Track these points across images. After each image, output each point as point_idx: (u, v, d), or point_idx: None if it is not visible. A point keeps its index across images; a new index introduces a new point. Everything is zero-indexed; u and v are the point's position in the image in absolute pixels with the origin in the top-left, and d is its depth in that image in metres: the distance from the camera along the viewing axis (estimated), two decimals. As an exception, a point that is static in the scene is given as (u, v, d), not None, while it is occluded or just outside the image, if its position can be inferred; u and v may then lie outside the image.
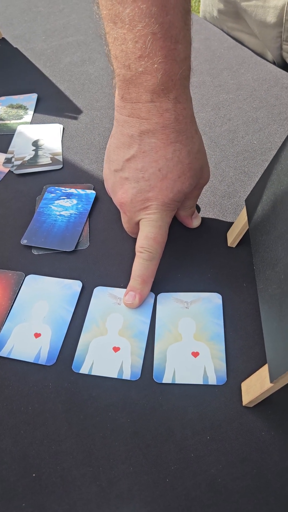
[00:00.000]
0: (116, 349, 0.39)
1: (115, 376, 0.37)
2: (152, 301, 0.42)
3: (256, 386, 0.34)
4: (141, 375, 0.38)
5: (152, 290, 0.43)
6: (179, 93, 0.38)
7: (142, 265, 0.41)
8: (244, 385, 0.36)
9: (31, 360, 0.39)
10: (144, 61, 0.36)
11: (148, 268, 0.42)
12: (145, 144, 0.39)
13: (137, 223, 0.43)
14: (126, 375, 0.37)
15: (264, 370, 0.33)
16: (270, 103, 0.62)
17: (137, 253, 0.42)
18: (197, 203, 0.50)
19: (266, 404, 0.35)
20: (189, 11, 0.36)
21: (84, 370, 0.38)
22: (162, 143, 0.39)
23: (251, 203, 0.42)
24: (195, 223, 0.48)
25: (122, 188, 0.42)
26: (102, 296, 0.43)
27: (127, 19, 0.34)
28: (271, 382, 0.31)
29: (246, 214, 0.42)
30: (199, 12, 0.88)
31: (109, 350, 0.39)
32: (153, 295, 0.43)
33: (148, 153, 0.39)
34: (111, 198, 0.47)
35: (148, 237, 0.41)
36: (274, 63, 0.75)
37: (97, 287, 0.44)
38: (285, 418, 0.35)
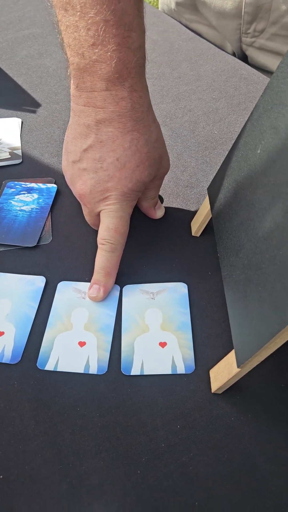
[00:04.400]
0: (82, 343, 0.38)
1: (82, 371, 0.37)
2: (118, 293, 0.42)
3: (224, 372, 0.34)
4: (108, 368, 0.37)
5: (117, 282, 0.42)
6: (134, 81, 0.37)
7: (105, 257, 0.41)
8: (212, 372, 0.36)
9: (-5, 360, 0.38)
10: (97, 49, 0.35)
11: (110, 260, 0.41)
12: (102, 133, 0.39)
13: (98, 215, 0.42)
14: (93, 370, 0.37)
15: (231, 356, 0.33)
16: (229, 93, 0.62)
17: (99, 245, 0.41)
18: (160, 193, 0.50)
19: (234, 390, 0.35)
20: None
21: (49, 366, 0.37)
22: (119, 132, 0.38)
23: (213, 191, 0.42)
24: (159, 213, 0.48)
25: (81, 179, 0.41)
26: (66, 291, 0.42)
27: (78, 6, 0.34)
28: (238, 367, 0.31)
29: (208, 202, 0.43)
30: (157, 6, 0.88)
31: (74, 345, 0.38)
32: (118, 288, 0.42)
33: (106, 143, 0.39)
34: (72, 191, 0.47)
35: (109, 228, 0.41)
36: (234, 54, 0.75)
37: (60, 282, 0.43)
38: (253, 403, 0.35)
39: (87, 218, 0.45)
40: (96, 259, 0.41)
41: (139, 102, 0.38)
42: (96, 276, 0.41)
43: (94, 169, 0.40)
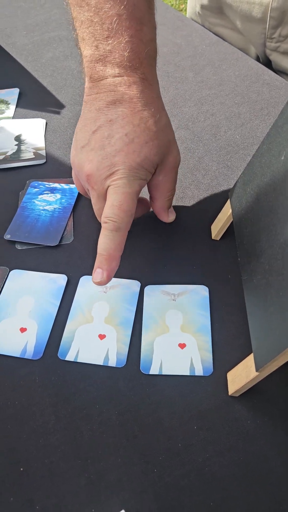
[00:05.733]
0: (102, 336, 0.39)
1: (101, 363, 0.37)
2: (138, 289, 0.42)
3: (241, 375, 0.34)
4: (127, 366, 0.38)
5: (138, 280, 0.43)
6: (146, 70, 0.39)
7: (107, 237, 0.38)
8: (230, 375, 0.36)
9: (17, 355, 0.39)
10: (111, 41, 0.37)
11: (113, 240, 0.38)
12: (112, 113, 0.39)
13: (106, 198, 0.40)
14: (112, 362, 0.38)
15: (250, 360, 0.34)
16: (252, 98, 0.63)
17: (102, 225, 0.39)
18: (181, 197, 0.50)
19: (251, 393, 0.36)
20: None
21: (70, 357, 0.38)
22: (129, 111, 0.39)
23: (235, 196, 0.42)
24: (171, 217, 0.46)
25: (88, 159, 0.40)
26: (88, 285, 0.43)
27: (93, 2, 0.37)
28: (256, 371, 0.32)
29: (229, 207, 0.43)
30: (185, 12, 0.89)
31: (95, 338, 0.39)
32: (139, 284, 0.43)
33: (115, 121, 0.39)
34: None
35: (113, 205, 0.38)
36: (257, 58, 0.75)
37: (82, 277, 0.44)
38: (270, 406, 0.35)
39: (95, 208, 0.42)
40: (99, 240, 0.39)
41: (149, 89, 0.40)
42: (99, 259, 0.38)
43: (102, 146, 0.39)
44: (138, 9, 0.37)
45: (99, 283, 0.38)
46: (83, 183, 0.43)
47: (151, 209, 0.48)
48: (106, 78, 0.39)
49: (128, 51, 0.37)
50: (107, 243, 0.38)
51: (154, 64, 0.40)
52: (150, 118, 0.39)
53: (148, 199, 0.47)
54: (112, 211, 0.38)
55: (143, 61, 0.38)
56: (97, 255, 0.38)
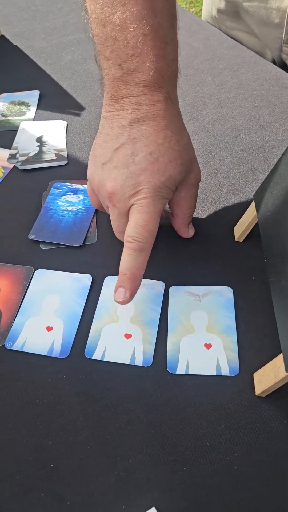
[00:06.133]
0: (128, 336, 0.39)
1: (128, 362, 0.38)
2: (162, 290, 0.43)
3: (269, 375, 0.35)
4: (154, 366, 0.38)
5: (163, 281, 0.43)
6: (169, 89, 0.39)
7: (131, 256, 0.38)
8: (257, 376, 0.37)
9: (45, 353, 0.39)
10: (136, 60, 0.37)
11: (137, 260, 0.38)
12: (135, 131, 0.39)
13: (128, 216, 0.40)
14: (139, 362, 0.38)
15: (279, 360, 0.34)
16: (271, 102, 0.63)
17: (125, 244, 0.39)
18: (203, 198, 0.51)
19: (278, 394, 0.36)
20: (175, 16, 0.38)
21: (96, 356, 0.38)
22: (153, 129, 0.39)
23: (260, 197, 0.42)
24: (190, 232, 0.47)
25: (110, 177, 0.40)
26: (112, 285, 0.43)
27: (117, 21, 0.36)
28: (286, 371, 0.32)
29: (254, 208, 0.43)
30: (201, 15, 0.89)
31: (121, 337, 0.39)
32: (163, 284, 0.43)
33: (139, 139, 0.39)
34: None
35: (138, 224, 0.38)
36: (274, 62, 0.76)
37: (107, 277, 0.44)
38: (297, 407, 0.35)
39: (115, 224, 0.42)
40: (121, 259, 0.39)
41: (173, 107, 0.40)
42: (121, 278, 0.38)
43: (125, 164, 0.39)
44: (162, 28, 0.37)
45: (122, 303, 0.38)
46: (102, 199, 0.43)
47: (172, 224, 0.48)
48: (130, 97, 0.38)
49: (153, 71, 0.37)
50: (130, 262, 0.38)
51: (176, 83, 0.40)
52: (173, 136, 0.40)
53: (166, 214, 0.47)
54: (137, 231, 0.38)
55: (166, 80, 0.38)
56: (120, 274, 0.39)
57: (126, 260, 0.38)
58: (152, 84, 0.38)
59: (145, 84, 0.38)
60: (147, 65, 0.37)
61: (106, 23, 0.36)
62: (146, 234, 0.38)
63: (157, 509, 0.31)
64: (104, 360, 0.38)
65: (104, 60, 0.38)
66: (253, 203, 0.44)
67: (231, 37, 0.78)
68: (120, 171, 0.39)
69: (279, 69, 0.68)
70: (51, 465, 0.33)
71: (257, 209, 0.42)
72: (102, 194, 0.42)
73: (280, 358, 0.34)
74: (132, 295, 0.38)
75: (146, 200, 0.39)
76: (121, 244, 0.47)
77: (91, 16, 0.38)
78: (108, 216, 0.50)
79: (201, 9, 2.42)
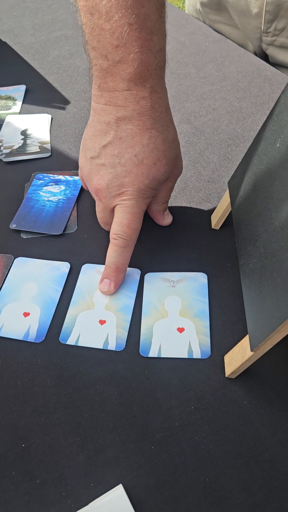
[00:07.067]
0: (102, 322, 0.40)
1: (101, 347, 0.39)
2: (138, 277, 0.43)
3: (238, 356, 0.35)
4: (127, 350, 0.39)
5: (139, 268, 0.44)
6: (155, 82, 0.39)
7: (116, 252, 0.42)
8: (227, 358, 0.37)
9: (21, 338, 0.40)
10: (120, 51, 0.37)
11: (122, 255, 0.42)
12: (122, 130, 0.40)
13: (112, 211, 0.43)
14: (111, 346, 0.39)
15: (245, 341, 0.34)
16: (254, 93, 0.64)
17: (111, 240, 0.42)
18: (182, 188, 0.51)
19: (248, 376, 0.37)
20: (163, 4, 0.38)
21: (70, 341, 0.39)
22: (138, 129, 0.40)
23: (233, 184, 0.43)
24: (167, 220, 0.48)
25: (98, 174, 0.42)
26: (89, 272, 0.44)
27: (103, 10, 0.35)
28: (251, 350, 0.33)
29: (229, 196, 0.44)
30: (183, 9, 0.90)
31: (95, 323, 0.40)
32: (139, 271, 0.44)
33: (125, 139, 0.40)
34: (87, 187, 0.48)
35: (123, 223, 0.41)
36: (254, 53, 0.76)
37: (85, 265, 0.45)
38: (266, 388, 0.36)
39: (99, 215, 0.45)
40: (107, 254, 0.42)
41: (159, 103, 0.40)
42: (107, 271, 0.42)
43: (112, 164, 0.41)
44: (149, 18, 0.36)
45: (106, 293, 0.42)
46: (90, 190, 0.45)
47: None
48: (115, 91, 0.39)
49: (137, 62, 0.37)
50: (116, 257, 0.42)
51: (163, 75, 0.40)
52: (158, 136, 0.40)
53: None
54: (121, 229, 0.41)
55: (152, 72, 0.38)
56: (105, 267, 0.43)
57: (112, 255, 0.42)
58: (137, 78, 0.38)
59: (130, 78, 0.38)
60: (131, 57, 0.37)
61: (93, 11, 0.36)
62: (130, 232, 0.42)
63: (124, 486, 0.32)
64: (78, 345, 0.39)
65: (92, 50, 0.38)
66: (227, 191, 0.44)
67: (215, 30, 0.79)
68: (107, 170, 0.41)
69: (262, 61, 0.69)
70: (23, 445, 0.34)
71: (231, 196, 0.43)
72: (90, 187, 0.44)
73: (247, 338, 0.34)
74: (116, 286, 0.42)
75: (130, 201, 0.41)
76: (100, 233, 0.48)
77: (79, 4, 0.38)
78: (90, 206, 0.51)
79: (183, 2, 2.40)
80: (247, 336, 0.34)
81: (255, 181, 0.38)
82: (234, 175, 0.43)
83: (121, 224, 0.41)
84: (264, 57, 0.75)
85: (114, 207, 0.43)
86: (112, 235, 0.42)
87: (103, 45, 0.37)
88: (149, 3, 0.35)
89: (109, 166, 0.41)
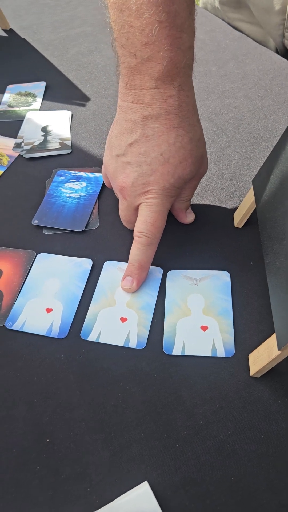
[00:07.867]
0: (123, 319, 0.40)
1: (122, 345, 0.38)
2: (160, 275, 0.43)
3: (263, 355, 0.35)
4: (149, 346, 0.39)
5: (161, 266, 0.44)
6: (183, 81, 0.38)
7: (140, 250, 0.42)
8: (252, 356, 0.37)
9: (43, 334, 0.40)
10: (150, 49, 0.36)
11: (145, 253, 0.42)
12: (148, 129, 0.40)
13: (136, 209, 0.43)
14: (132, 344, 0.39)
15: (272, 340, 0.34)
16: (275, 92, 0.63)
17: (135, 238, 0.42)
18: (204, 186, 0.51)
19: (272, 375, 0.36)
20: (193, 1, 0.37)
21: (92, 338, 0.39)
22: (165, 128, 0.39)
23: (258, 183, 0.43)
24: (190, 218, 0.48)
25: (124, 172, 0.42)
26: (111, 269, 0.44)
27: (134, 7, 0.35)
28: (279, 349, 0.32)
29: (253, 194, 0.43)
30: (199, 3, 0.90)
31: (116, 320, 0.40)
32: (161, 270, 0.44)
33: (151, 138, 0.40)
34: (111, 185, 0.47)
35: (147, 221, 0.41)
36: (276, 51, 0.76)
37: (107, 261, 0.45)
38: (292, 388, 0.36)
39: (123, 213, 0.45)
40: (131, 251, 0.42)
41: (186, 101, 0.39)
42: (130, 268, 0.42)
43: (138, 162, 0.41)
44: (179, 16, 0.35)
45: (128, 290, 0.42)
46: (114, 188, 0.45)
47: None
48: (143, 89, 0.38)
49: (166, 61, 0.36)
50: (139, 255, 0.42)
51: (191, 73, 0.40)
52: (185, 134, 0.40)
53: None
54: (146, 227, 0.41)
55: (180, 70, 0.38)
56: (128, 264, 0.42)
57: (135, 253, 0.42)
58: (165, 76, 0.37)
59: (158, 76, 0.37)
60: (160, 55, 0.36)
61: (123, 8, 0.36)
62: (154, 230, 0.42)
63: (149, 483, 0.32)
64: (99, 342, 0.39)
65: (120, 48, 0.38)
66: (251, 189, 0.44)
67: (234, 28, 0.78)
68: (133, 168, 0.41)
69: (283, 59, 0.68)
70: (47, 440, 0.34)
71: (255, 194, 0.43)
72: (114, 185, 0.44)
73: (273, 337, 0.34)
74: (138, 284, 0.42)
75: (155, 200, 0.41)
76: (122, 231, 0.48)
77: (108, 1, 0.37)
78: (111, 203, 0.51)
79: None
80: (274, 335, 0.34)
81: (282, 180, 0.38)
82: (259, 173, 0.43)
83: (145, 222, 0.41)
84: (286, 53, 0.75)
85: (139, 205, 0.42)
86: (136, 233, 0.42)
87: (132, 42, 0.36)
88: (179, 1, 0.35)
89: (135, 164, 0.41)
